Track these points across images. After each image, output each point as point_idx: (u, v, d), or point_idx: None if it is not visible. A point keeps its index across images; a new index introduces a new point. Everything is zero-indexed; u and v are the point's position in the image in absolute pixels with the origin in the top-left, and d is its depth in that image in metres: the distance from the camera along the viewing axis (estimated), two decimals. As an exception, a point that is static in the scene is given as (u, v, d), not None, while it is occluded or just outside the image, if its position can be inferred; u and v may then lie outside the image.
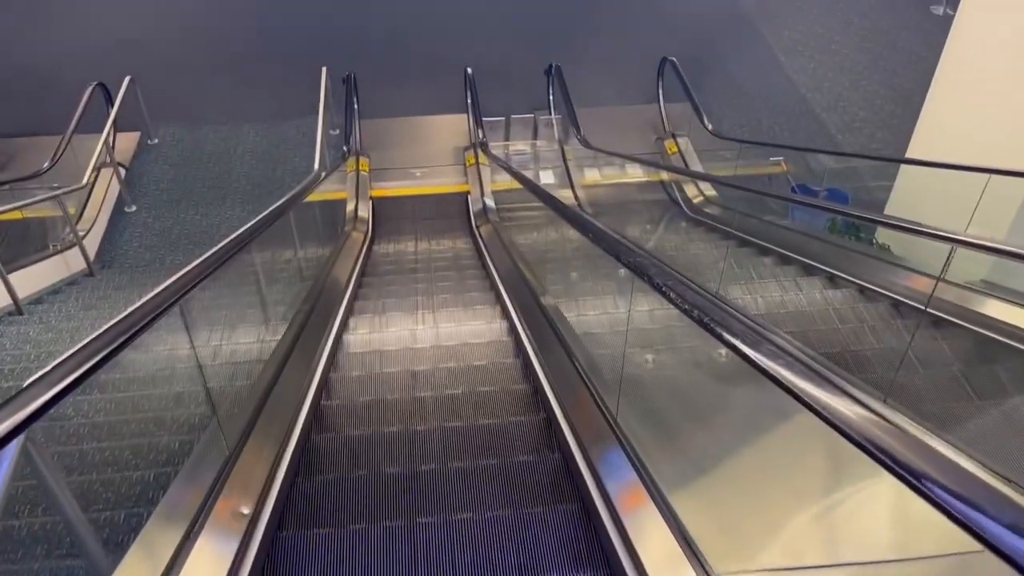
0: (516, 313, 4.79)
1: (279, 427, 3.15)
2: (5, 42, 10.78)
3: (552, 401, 3.41)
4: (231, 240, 2.98)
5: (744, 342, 1.49)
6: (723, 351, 1.68)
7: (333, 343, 4.46)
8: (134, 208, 8.34)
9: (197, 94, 10.15)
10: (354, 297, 5.56)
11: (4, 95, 9.84)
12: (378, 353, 4.49)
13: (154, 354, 3.27)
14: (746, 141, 7.71)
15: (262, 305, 4.04)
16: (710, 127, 8.01)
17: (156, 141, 9.28)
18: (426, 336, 4.88)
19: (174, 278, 2.27)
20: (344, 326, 4.90)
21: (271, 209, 4.11)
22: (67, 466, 2.78)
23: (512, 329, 4.76)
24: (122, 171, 8.70)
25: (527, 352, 4.18)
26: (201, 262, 2.49)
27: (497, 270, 6.02)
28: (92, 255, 7.65)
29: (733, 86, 10.38)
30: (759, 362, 1.40)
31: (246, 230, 3.28)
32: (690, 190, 8.03)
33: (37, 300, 6.17)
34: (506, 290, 5.37)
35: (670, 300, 1.92)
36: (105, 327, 1.86)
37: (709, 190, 7.92)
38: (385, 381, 4.05)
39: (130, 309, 2.03)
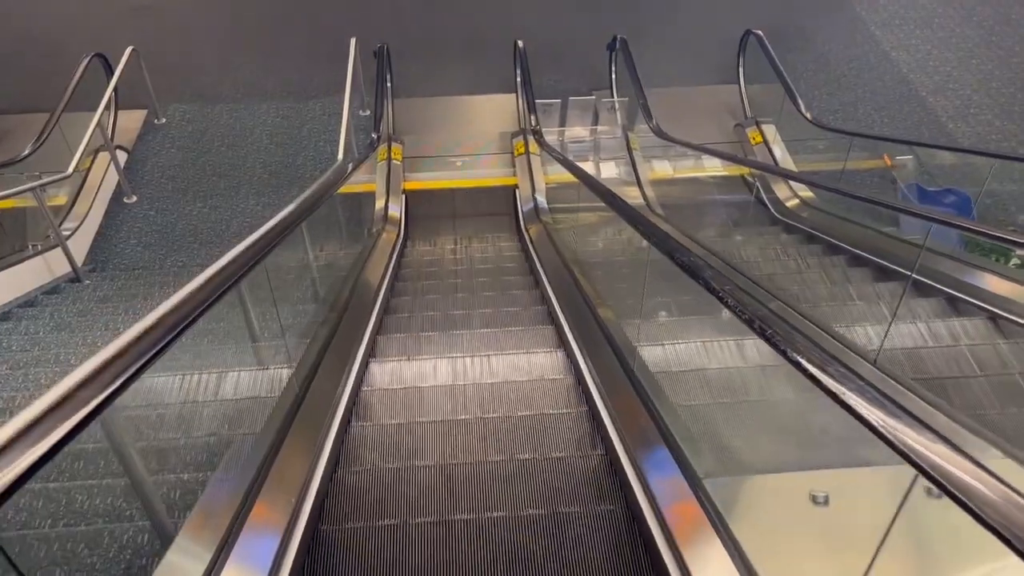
0: (577, 344, 3.68)
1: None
2: (2, 7, 9.77)
3: (633, 483, 2.31)
4: (217, 273, 1.99)
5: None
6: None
7: (349, 401, 3.33)
8: (134, 199, 7.29)
9: (212, 67, 9.05)
10: (377, 329, 4.42)
11: (1, 66, 8.84)
12: (404, 407, 3.39)
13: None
14: (858, 134, 6.39)
15: (254, 348, 2.92)
16: (809, 115, 6.68)
17: (164, 120, 8.20)
18: (468, 376, 3.75)
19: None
20: (362, 376, 3.76)
21: (278, 221, 3.01)
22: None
23: (572, 365, 3.65)
24: (123, 155, 7.64)
25: (594, 401, 3.08)
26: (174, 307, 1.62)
27: (550, 284, 4.85)
28: (83, 254, 6.64)
29: (821, 65, 8.99)
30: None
31: (239, 257, 2.20)
32: (781, 190, 6.74)
33: (2, 315, 5.14)
34: (564, 313, 4.22)
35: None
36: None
37: (804, 191, 6.62)
38: (410, 451, 2.94)
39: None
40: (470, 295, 5.07)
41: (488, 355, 3.90)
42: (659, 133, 6.87)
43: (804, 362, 1.56)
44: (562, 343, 4.04)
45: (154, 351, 1.46)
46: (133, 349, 1.40)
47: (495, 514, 2.49)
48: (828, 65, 9.02)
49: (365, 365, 3.81)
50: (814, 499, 2.03)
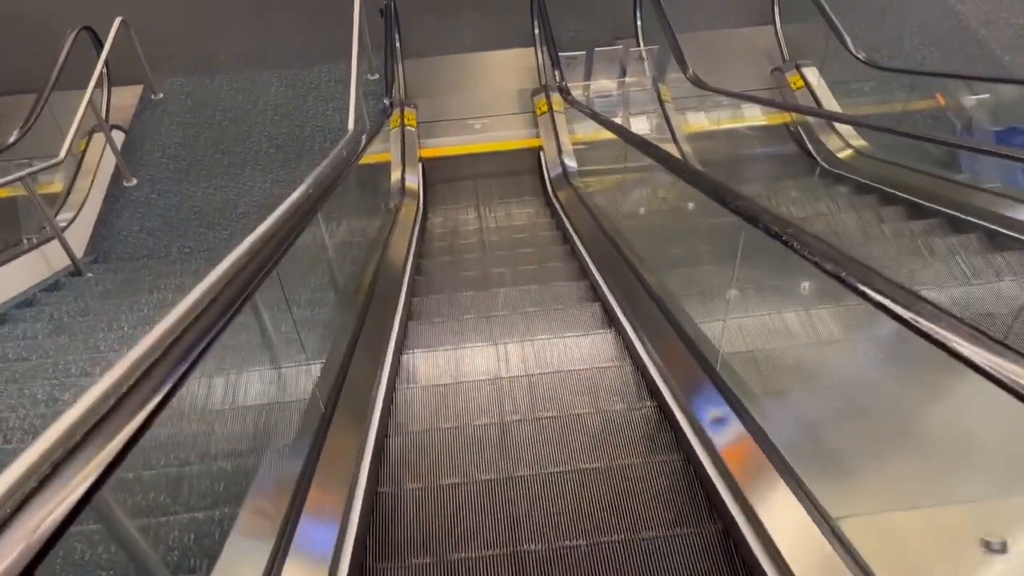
0: (629, 324, 3.24)
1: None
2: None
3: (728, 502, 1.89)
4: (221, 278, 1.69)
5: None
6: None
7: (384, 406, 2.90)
8: (134, 182, 6.83)
9: (208, 36, 8.50)
10: (407, 316, 3.97)
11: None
12: (444, 404, 2.96)
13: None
14: (921, 72, 5.81)
15: (270, 351, 2.49)
16: (861, 54, 6.08)
17: (161, 96, 7.70)
18: (506, 367, 3.32)
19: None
20: (395, 371, 3.33)
21: (285, 210, 2.60)
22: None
23: (627, 351, 3.21)
24: (120, 135, 7.17)
25: (660, 393, 2.64)
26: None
27: (590, 256, 4.38)
28: (83, 244, 6.21)
29: (860, -1, 8.32)
30: None
31: (242, 260, 1.86)
32: (831, 140, 6.18)
33: (-1, 318, 4.74)
34: (610, 289, 3.77)
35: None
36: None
37: (856, 139, 6.06)
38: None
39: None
40: (503, 271, 4.60)
41: (534, 340, 3.46)
42: (697, 83, 6.30)
43: (953, 338, 1.27)
44: (611, 322, 3.59)
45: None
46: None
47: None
48: (868, -2, 8.35)
49: (397, 361, 3.37)
50: (987, 546, 1.59)
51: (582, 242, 4.66)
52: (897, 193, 4.90)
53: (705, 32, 7.96)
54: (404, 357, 3.49)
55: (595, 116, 4.68)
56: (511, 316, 3.82)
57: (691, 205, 3.54)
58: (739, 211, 2.08)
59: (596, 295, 4.01)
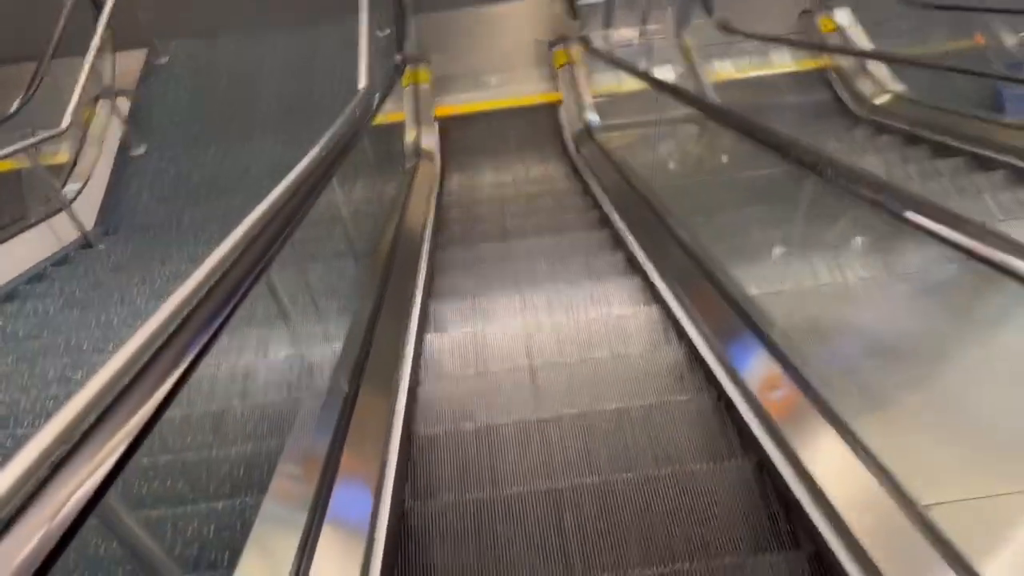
0: (672, 291, 3.04)
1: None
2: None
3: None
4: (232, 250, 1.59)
5: None
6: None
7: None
8: (142, 149, 6.63)
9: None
10: (428, 292, 3.77)
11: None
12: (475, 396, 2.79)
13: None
14: (971, 8, 5.44)
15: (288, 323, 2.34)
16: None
17: (166, 60, 7.46)
18: (537, 344, 3.12)
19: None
20: (419, 352, 3.15)
21: (297, 175, 2.44)
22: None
23: (675, 329, 3.01)
24: (125, 102, 6.95)
25: (719, 382, 2.46)
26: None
27: (623, 215, 4.16)
28: (93, 216, 6.03)
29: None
30: None
31: (255, 229, 1.76)
32: (865, 85, 5.86)
33: (8, 295, 4.60)
34: (645, 250, 3.57)
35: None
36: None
37: (893, 83, 5.74)
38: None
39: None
40: (527, 237, 4.40)
41: (568, 315, 3.26)
42: (725, 27, 5.97)
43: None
44: (655, 298, 3.37)
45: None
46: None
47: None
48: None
49: (420, 340, 3.19)
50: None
51: (614, 205, 4.42)
52: (947, 141, 4.59)
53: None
54: (428, 336, 3.32)
55: (623, 65, 4.40)
56: (547, 298, 3.62)
57: (724, 158, 3.32)
58: (806, 162, 1.86)
59: (631, 264, 3.79)
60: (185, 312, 1.26)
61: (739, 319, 2.49)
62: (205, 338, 1.23)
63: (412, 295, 3.37)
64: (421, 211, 4.70)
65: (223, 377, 2.77)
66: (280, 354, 2.75)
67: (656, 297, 3.20)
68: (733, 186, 3.33)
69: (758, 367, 2.30)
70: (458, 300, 3.49)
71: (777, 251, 2.94)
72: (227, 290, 1.39)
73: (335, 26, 7.59)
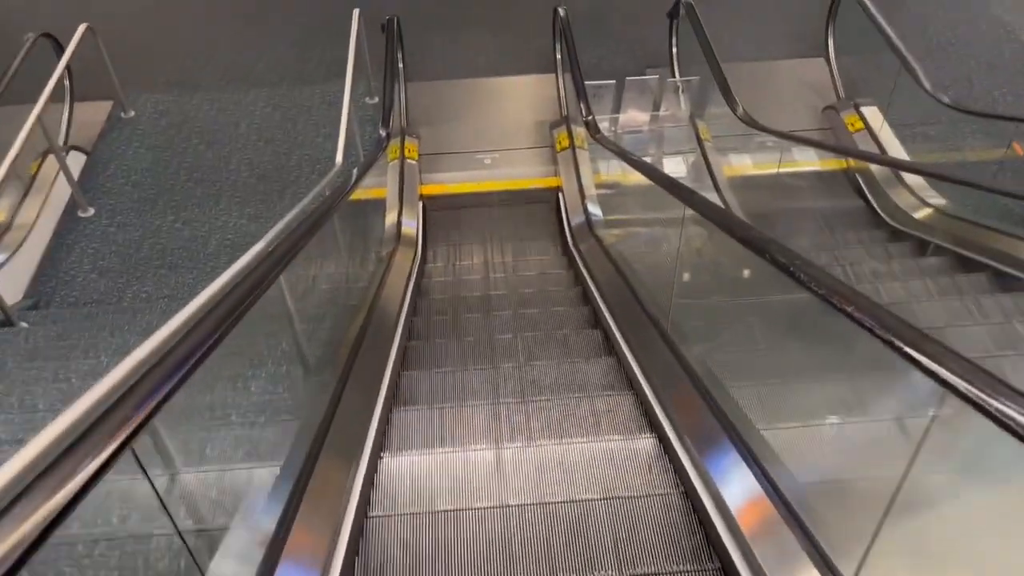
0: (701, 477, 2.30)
1: None
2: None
3: None
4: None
5: None
6: None
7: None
8: (91, 212, 5.93)
9: (190, 48, 7.65)
10: (386, 420, 3.03)
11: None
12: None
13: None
14: (1013, 117, 4.89)
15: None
16: (946, 99, 5.17)
17: (132, 114, 6.83)
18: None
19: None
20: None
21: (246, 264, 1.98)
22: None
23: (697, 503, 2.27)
24: (81, 157, 6.28)
25: None
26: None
27: (623, 336, 3.47)
28: (23, 288, 5.30)
29: (918, 31, 7.43)
30: None
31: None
32: (900, 194, 5.27)
33: None
34: (654, 391, 2.87)
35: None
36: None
37: (934, 196, 5.15)
38: None
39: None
40: (515, 357, 3.68)
41: (557, 474, 2.52)
42: (749, 122, 5.39)
43: None
44: (678, 474, 2.63)
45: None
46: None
47: None
48: (927, 31, 7.47)
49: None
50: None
51: (613, 320, 3.73)
52: (1007, 270, 3.96)
53: (745, 64, 7.07)
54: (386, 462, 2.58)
55: (636, 162, 3.75)
56: (536, 428, 2.90)
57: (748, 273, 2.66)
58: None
59: (641, 405, 3.08)
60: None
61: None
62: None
63: (360, 446, 2.63)
64: (393, 310, 3.99)
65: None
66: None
67: (683, 480, 2.46)
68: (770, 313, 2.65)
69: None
70: (422, 452, 2.75)
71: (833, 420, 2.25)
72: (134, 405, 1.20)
73: (319, 88, 7.05)
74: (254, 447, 2.47)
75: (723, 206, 5.35)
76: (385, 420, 2.93)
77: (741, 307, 2.64)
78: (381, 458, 2.68)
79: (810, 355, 2.28)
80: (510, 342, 3.69)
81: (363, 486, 2.40)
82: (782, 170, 5.94)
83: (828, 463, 2.12)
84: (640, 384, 3.03)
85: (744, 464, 2.18)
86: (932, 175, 4.79)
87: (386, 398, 3.03)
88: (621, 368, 3.37)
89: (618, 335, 3.52)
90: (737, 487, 2.15)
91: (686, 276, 3.17)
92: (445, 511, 2.38)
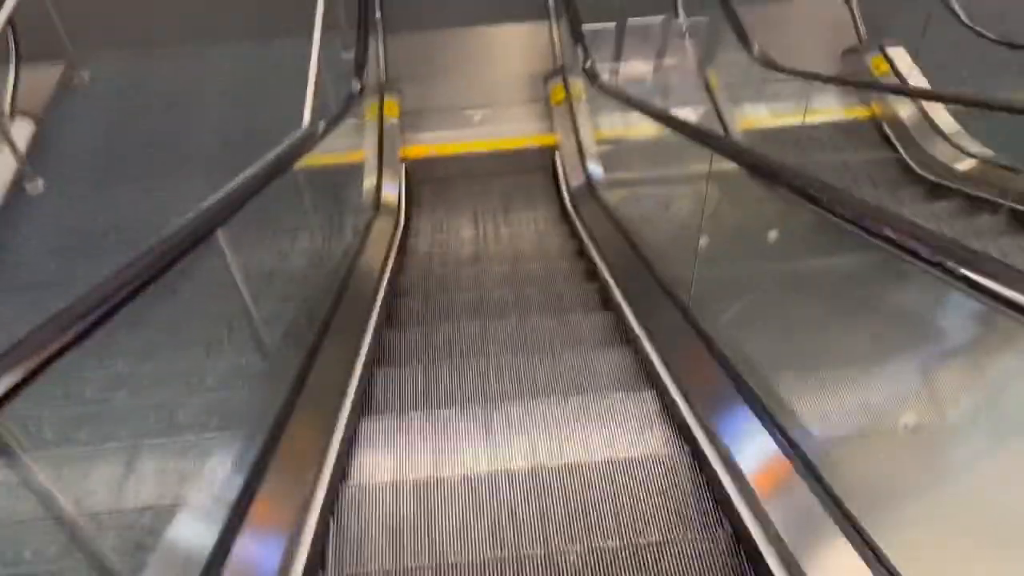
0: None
1: None
2: None
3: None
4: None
5: None
6: None
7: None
8: (40, 187, 5.37)
9: (149, 3, 7.01)
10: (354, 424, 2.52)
11: None
12: None
13: None
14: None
15: None
16: (994, 34, 4.60)
17: (87, 76, 6.24)
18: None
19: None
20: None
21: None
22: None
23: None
24: (29, 127, 5.71)
25: None
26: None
27: (640, 314, 2.97)
28: (-37, 269, 4.79)
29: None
30: None
31: None
32: (936, 144, 4.72)
33: None
34: (676, 380, 2.37)
35: None
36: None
37: (974, 144, 4.60)
38: None
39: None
40: (510, 340, 3.16)
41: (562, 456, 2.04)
42: (768, 63, 4.81)
43: None
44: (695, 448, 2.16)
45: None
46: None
47: None
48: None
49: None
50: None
51: (622, 292, 3.22)
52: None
53: (752, 5, 6.45)
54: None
55: (650, 110, 3.21)
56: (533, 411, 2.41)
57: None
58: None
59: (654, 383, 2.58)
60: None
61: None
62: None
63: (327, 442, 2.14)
64: (368, 292, 3.48)
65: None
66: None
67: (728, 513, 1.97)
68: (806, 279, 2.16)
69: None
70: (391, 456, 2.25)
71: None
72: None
73: (293, 42, 6.44)
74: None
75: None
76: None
77: (799, 276, 2.11)
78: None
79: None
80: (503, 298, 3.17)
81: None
82: (804, 120, 5.37)
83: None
84: (654, 360, 2.52)
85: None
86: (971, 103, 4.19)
87: (353, 406, 2.50)
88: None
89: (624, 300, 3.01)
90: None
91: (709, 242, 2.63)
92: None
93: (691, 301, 2.59)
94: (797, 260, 2.19)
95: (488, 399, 2.60)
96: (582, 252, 4.14)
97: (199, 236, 1.83)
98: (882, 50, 5.58)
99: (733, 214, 2.63)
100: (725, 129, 5.18)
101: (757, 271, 2.30)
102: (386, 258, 3.89)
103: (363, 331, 2.95)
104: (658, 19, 5.50)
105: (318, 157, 4.27)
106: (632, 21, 5.45)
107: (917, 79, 5.34)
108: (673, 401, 2.39)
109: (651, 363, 2.64)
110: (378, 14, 5.95)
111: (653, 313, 2.85)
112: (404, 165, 5.29)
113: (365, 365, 2.74)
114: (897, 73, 5.40)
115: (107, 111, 5.94)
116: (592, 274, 3.80)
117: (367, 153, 5.03)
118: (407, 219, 4.87)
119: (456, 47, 6.26)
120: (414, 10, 6.63)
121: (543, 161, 5.40)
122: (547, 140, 5.53)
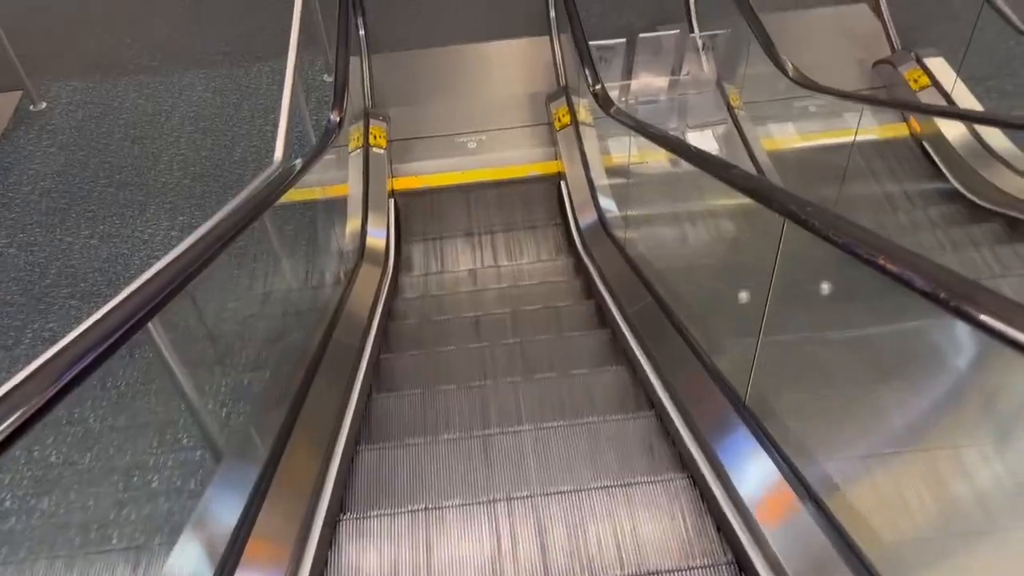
0: None
1: None
2: None
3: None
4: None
5: None
6: None
7: None
8: (-15, 230, 4.83)
9: (114, 24, 6.46)
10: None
11: None
12: None
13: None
14: None
15: None
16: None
17: (43, 106, 5.68)
18: None
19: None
20: None
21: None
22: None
23: None
24: (-25, 163, 5.16)
25: None
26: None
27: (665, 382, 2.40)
28: None
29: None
30: None
31: None
32: (1002, 178, 4.18)
33: None
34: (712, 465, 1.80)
35: None
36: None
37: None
38: None
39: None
40: (519, 410, 2.59)
41: None
42: (804, 82, 4.26)
43: None
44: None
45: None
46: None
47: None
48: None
49: None
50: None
51: (655, 372, 2.65)
52: None
53: (775, 15, 5.92)
54: None
55: (692, 154, 2.63)
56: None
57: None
58: None
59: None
60: None
61: None
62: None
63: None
64: (349, 364, 2.91)
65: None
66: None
67: None
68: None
69: None
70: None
71: None
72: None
73: (269, 65, 5.91)
74: None
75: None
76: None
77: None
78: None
79: None
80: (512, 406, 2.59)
81: None
82: (832, 140, 4.84)
83: None
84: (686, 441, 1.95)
85: None
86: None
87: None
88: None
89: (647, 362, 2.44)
90: None
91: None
92: None
93: (752, 403, 2.02)
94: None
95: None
96: (596, 297, 3.57)
97: (128, 330, 1.42)
98: (919, 61, 5.04)
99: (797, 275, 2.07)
100: (749, 151, 4.62)
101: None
102: (368, 326, 3.30)
103: (329, 455, 2.32)
104: (674, 32, 4.95)
105: (307, 191, 3.75)
106: (643, 36, 4.90)
107: (962, 91, 4.80)
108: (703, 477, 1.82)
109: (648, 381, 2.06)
110: (362, 31, 5.41)
111: (709, 427, 2.25)
112: (393, 200, 4.74)
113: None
114: (937, 85, 4.86)
115: (64, 145, 5.38)
116: (604, 316, 3.24)
117: (350, 190, 4.47)
118: (397, 258, 4.31)
119: (448, 67, 5.71)
120: (402, 26, 6.10)
121: (548, 190, 4.85)
122: (551, 168, 4.98)
